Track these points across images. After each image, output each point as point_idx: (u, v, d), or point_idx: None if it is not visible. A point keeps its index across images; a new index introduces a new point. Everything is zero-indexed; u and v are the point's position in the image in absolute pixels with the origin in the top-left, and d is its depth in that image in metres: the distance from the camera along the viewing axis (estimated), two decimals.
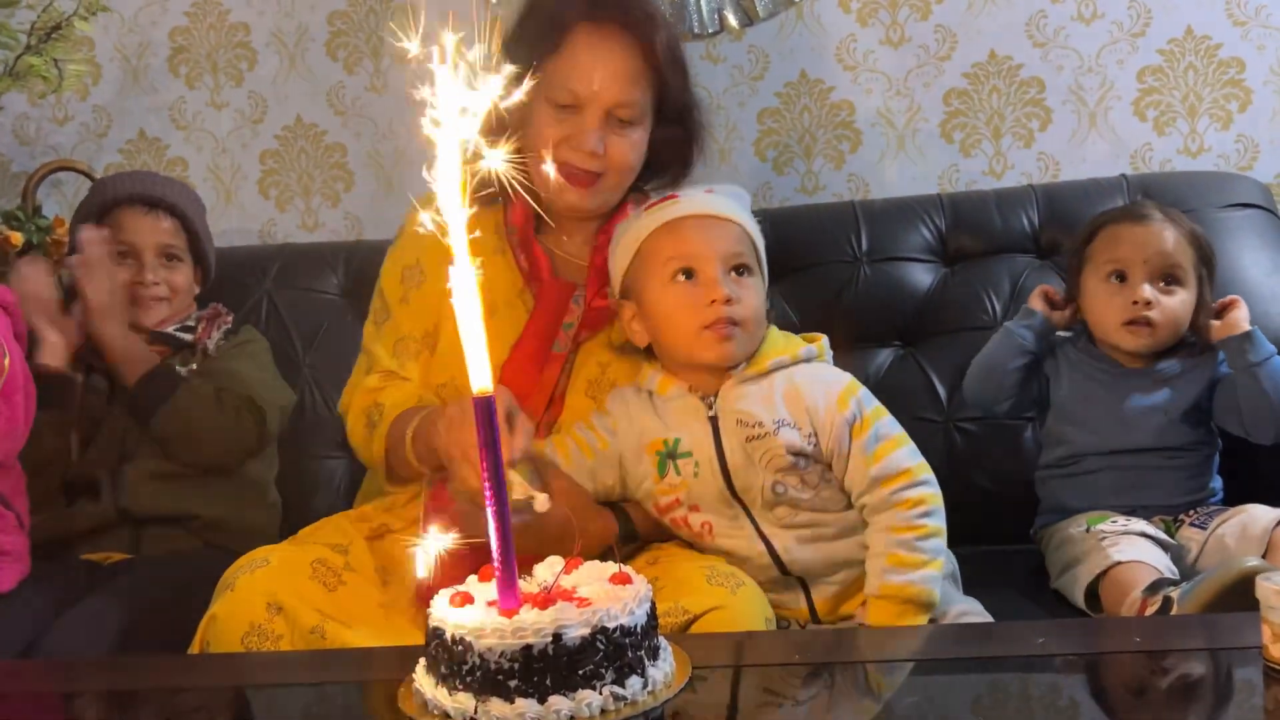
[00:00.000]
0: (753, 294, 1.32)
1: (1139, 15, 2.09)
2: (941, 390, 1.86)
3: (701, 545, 1.35)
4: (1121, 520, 1.51)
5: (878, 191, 2.16)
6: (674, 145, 1.50)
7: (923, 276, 1.94)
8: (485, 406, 0.88)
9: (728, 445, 1.30)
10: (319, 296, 2.07)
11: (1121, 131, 2.11)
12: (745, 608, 1.18)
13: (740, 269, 1.34)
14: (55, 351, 1.67)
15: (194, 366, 1.76)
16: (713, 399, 1.33)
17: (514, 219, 1.50)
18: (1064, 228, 1.92)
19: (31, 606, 1.46)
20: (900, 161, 2.17)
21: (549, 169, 1.39)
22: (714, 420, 1.31)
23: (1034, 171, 2.14)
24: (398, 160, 2.27)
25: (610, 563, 0.97)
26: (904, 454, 1.30)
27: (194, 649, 1.21)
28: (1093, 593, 1.43)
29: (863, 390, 1.33)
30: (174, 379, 1.69)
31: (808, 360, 1.35)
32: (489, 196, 1.44)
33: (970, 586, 1.40)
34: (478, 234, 1.41)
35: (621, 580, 0.93)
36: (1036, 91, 2.13)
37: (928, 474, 1.30)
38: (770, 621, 1.22)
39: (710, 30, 2.18)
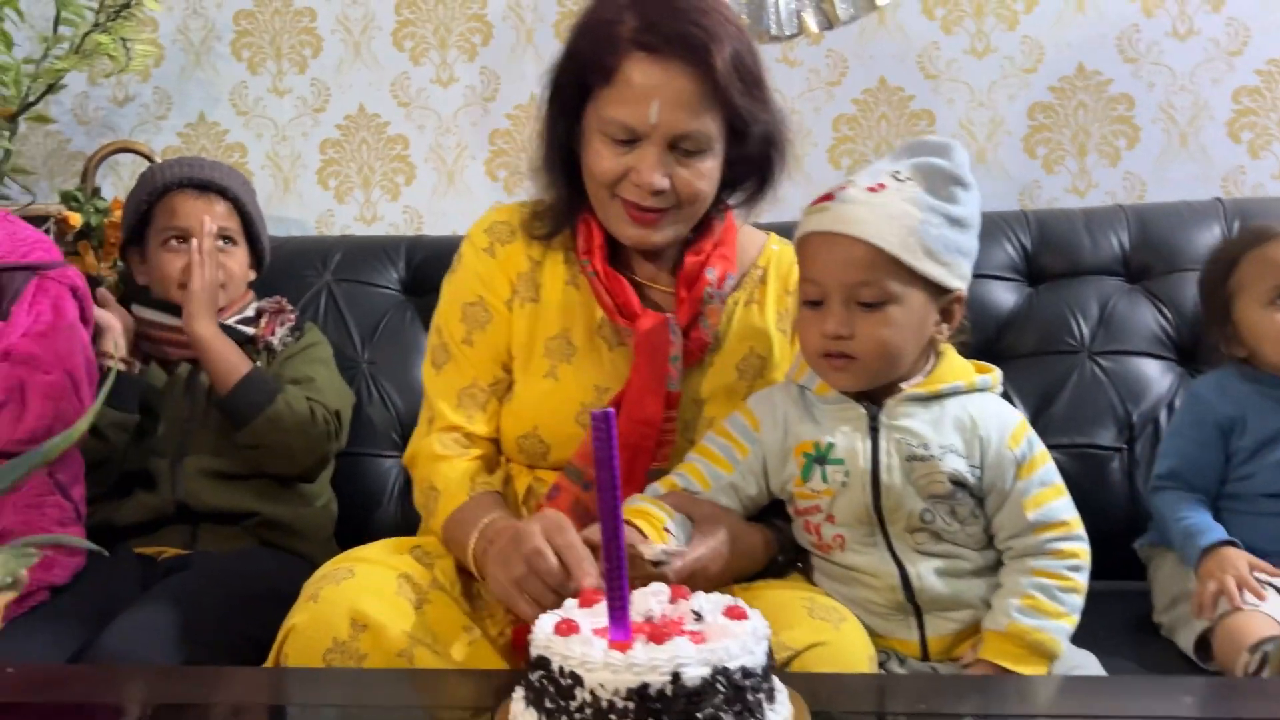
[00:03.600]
0: (883, 325, 1.20)
1: (1237, 33, 2.02)
2: (1024, 413, 1.78)
3: (826, 557, 1.28)
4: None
5: None
6: (753, 162, 1.36)
7: (1006, 295, 1.87)
8: (604, 421, 0.82)
9: (886, 462, 1.22)
10: (379, 291, 2.02)
11: (1213, 153, 2.04)
12: (849, 645, 1.11)
13: (867, 302, 1.21)
14: (120, 342, 1.63)
15: (259, 365, 1.71)
16: (878, 410, 1.24)
17: (584, 249, 1.37)
18: (1155, 251, 1.85)
19: (87, 602, 1.42)
20: (981, 175, 2.08)
21: (610, 207, 1.32)
22: (875, 433, 1.23)
23: (1119, 191, 2.07)
24: (460, 155, 2.22)
25: (722, 594, 0.90)
26: (1064, 504, 1.24)
27: (271, 660, 1.15)
28: (1203, 636, 1.36)
29: (1032, 431, 1.26)
30: (271, 388, 1.64)
31: (982, 390, 1.27)
32: (549, 231, 1.39)
33: None
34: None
35: (737, 615, 0.86)
36: (1125, 108, 2.06)
37: (1083, 530, 1.24)
38: (873, 660, 1.15)
39: (788, 33, 2.12)
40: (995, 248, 1.90)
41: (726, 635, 0.83)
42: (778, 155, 1.37)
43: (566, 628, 0.83)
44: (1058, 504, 1.23)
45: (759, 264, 1.43)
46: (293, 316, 1.81)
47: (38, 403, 1.40)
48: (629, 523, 1.17)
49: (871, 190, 1.22)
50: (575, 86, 1.31)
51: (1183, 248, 1.84)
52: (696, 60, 1.25)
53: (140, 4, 1.87)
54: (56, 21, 1.95)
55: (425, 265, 2.03)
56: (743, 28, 1.33)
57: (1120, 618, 1.55)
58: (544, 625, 0.85)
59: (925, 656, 1.25)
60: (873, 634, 1.24)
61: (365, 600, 1.14)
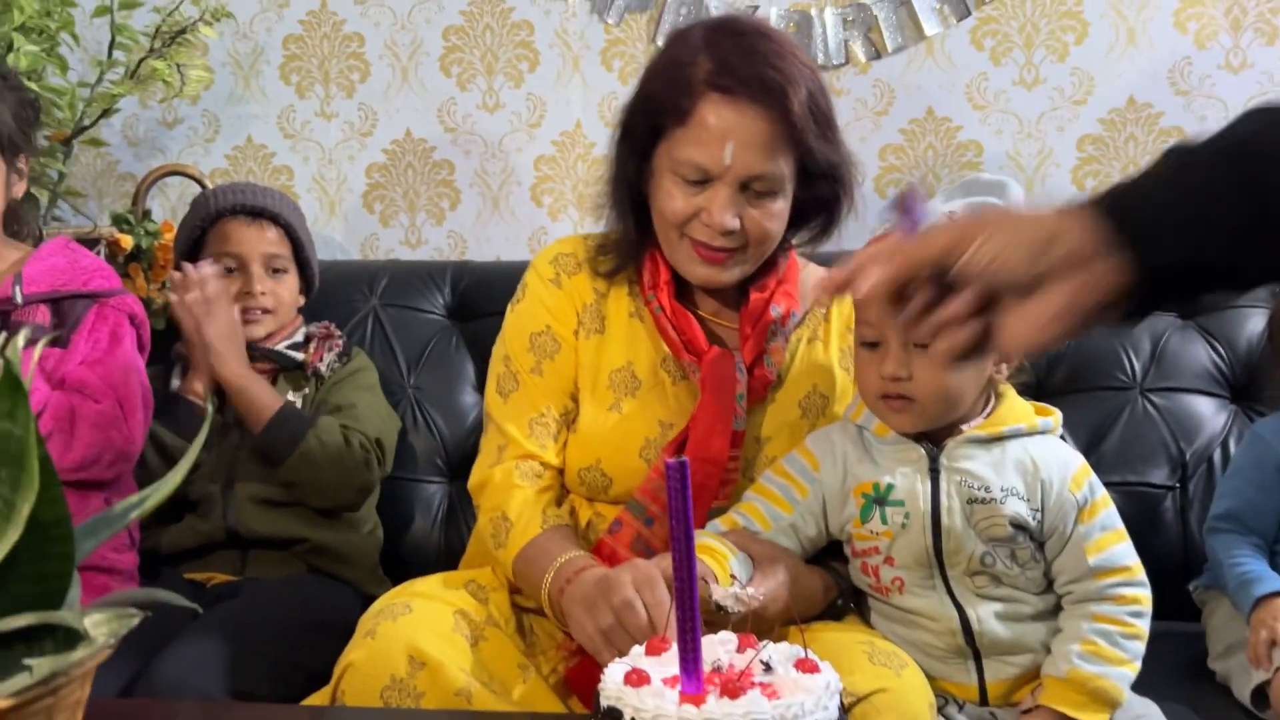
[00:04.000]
0: (935, 368, 1.19)
1: None
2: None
3: (885, 599, 1.27)
4: None
5: None
6: (821, 202, 1.37)
7: None
8: (679, 471, 0.82)
9: (946, 504, 1.21)
10: (424, 316, 2.02)
11: None
12: (910, 691, 1.10)
13: (923, 344, 1.18)
14: (205, 383, 1.65)
15: (307, 392, 1.72)
16: (938, 451, 1.24)
17: (650, 285, 1.38)
18: None
19: (139, 629, 1.42)
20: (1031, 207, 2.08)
21: (679, 246, 1.31)
22: (935, 474, 1.22)
23: None
24: (505, 180, 2.23)
25: (790, 644, 0.89)
26: (1125, 549, 1.24)
27: (328, 697, 1.15)
28: (1259, 687, 1.34)
29: (1094, 475, 1.26)
30: (303, 422, 1.64)
31: (1044, 432, 1.26)
32: (614, 267, 1.39)
33: None
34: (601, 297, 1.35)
35: (809, 668, 0.85)
36: (1178, 141, 2.04)
37: (1144, 576, 1.24)
38: (933, 707, 1.14)
39: (835, 62, 2.11)
40: None
41: (799, 690, 0.82)
42: (845, 196, 1.37)
43: (637, 678, 0.83)
44: (1120, 549, 1.22)
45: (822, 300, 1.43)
46: (340, 342, 1.82)
47: (86, 431, 1.41)
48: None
49: None
50: (648, 126, 1.31)
51: None
52: (772, 103, 1.25)
53: (196, 30, 1.88)
54: (111, 46, 1.97)
55: (471, 290, 2.03)
56: (815, 69, 1.33)
57: (1174, 661, 1.53)
58: (614, 675, 0.84)
59: (984, 701, 1.24)
60: (931, 678, 1.23)
61: (423, 637, 1.14)
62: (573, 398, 1.38)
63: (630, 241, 1.37)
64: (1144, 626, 1.21)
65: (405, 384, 1.95)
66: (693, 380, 1.34)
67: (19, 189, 1.51)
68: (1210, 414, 1.76)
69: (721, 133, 1.25)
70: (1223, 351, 1.79)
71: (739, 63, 1.25)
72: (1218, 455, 1.73)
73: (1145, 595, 1.22)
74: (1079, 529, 1.22)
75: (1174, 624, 1.62)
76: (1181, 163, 0.75)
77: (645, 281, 1.38)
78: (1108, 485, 1.72)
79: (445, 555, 1.81)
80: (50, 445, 1.38)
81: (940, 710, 1.22)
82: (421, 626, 1.16)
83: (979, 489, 1.21)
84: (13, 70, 1.56)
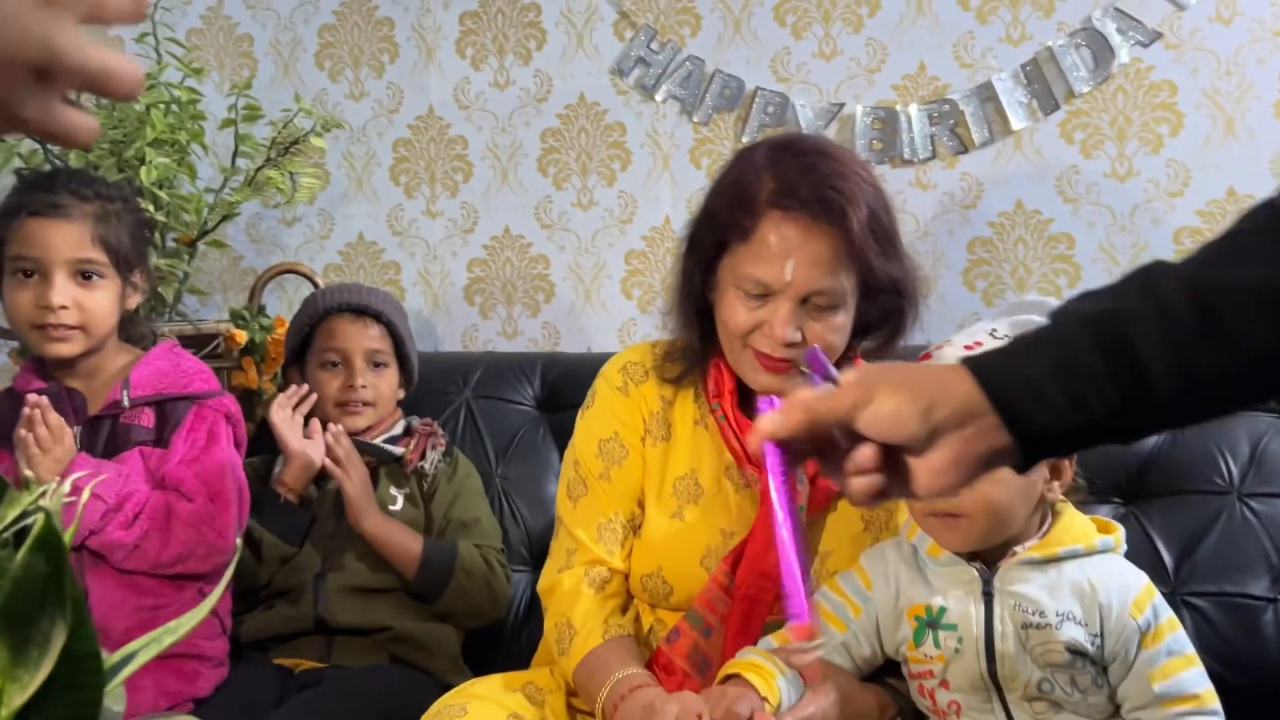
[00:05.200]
0: (984, 486, 1.17)
1: None
2: (1168, 557, 1.70)
3: None
4: None
5: None
6: (885, 313, 1.39)
7: None
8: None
9: (1000, 629, 1.19)
10: (514, 406, 2.10)
11: None
12: None
13: None
14: (300, 476, 1.73)
15: (409, 490, 1.80)
16: (990, 574, 1.22)
17: (714, 393, 1.41)
18: None
19: (226, 710, 1.50)
20: None
21: (741, 356, 1.34)
22: (988, 597, 1.20)
23: None
24: (596, 274, 2.30)
25: None
26: (1194, 676, 1.19)
27: None
28: None
29: (1159, 596, 1.22)
30: (448, 559, 1.72)
31: (1104, 552, 1.23)
32: (680, 374, 1.42)
33: None
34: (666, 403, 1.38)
35: None
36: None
37: (1216, 704, 1.18)
38: None
39: (921, 157, 2.13)
40: None
41: None
42: (910, 308, 1.39)
43: None
44: (1187, 675, 1.17)
45: None
46: (444, 441, 1.90)
47: (181, 529, 1.51)
48: (739, 676, 1.17)
49: (968, 348, 1.21)
50: (713, 240, 1.35)
51: None
52: (832, 221, 1.27)
53: (307, 141, 2.02)
54: (235, 155, 2.13)
55: (559, 382, 2.10)
56: (879, 187, 1.35)
57: None
58: None
59: None
60: None
61: None
62: (639, 504, 1.41)
63: (695, 350, 1.41)
64: None
65: (493, 474, 2.01)
66: (755, 489, 1.35)
67: (133, 301, 1.65)
68: None
69: (783, 250, 1.28)
70: None
71: (800, 181, 1.28)
72: None
73: None
74: (1143, 654, 1.17)
75: None
76: (1057, 329, 0.77)
77: (709, 389, 1.41)
78: (1202, 595, 1.68)
79: (528, 646, 1.84)
80: (148, 543, 1.49)
81: None
82: None
83: (1033, 613, 1.18)
84: (133, 192, 1.72)
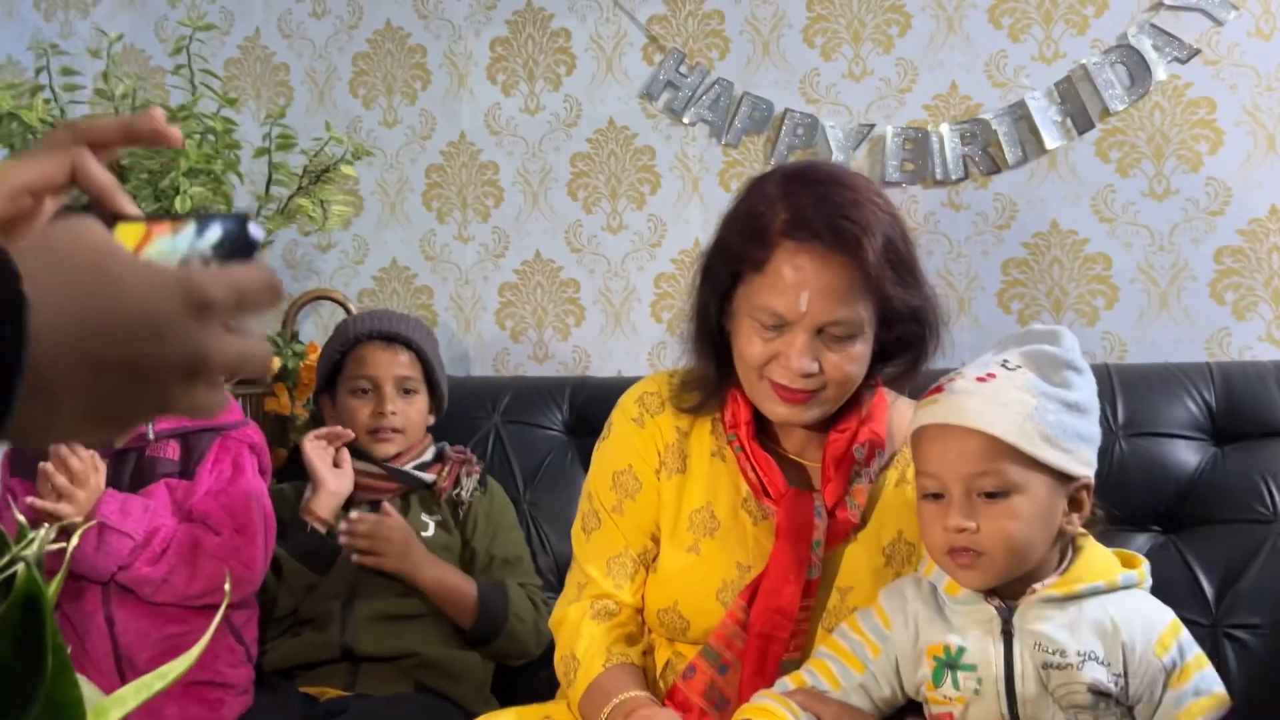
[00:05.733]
0: (1006, 517, 1.15)
1: None
2: (1209, 588, 1.65)
3: None
4: None
5: (1136, 355, 1.99)
6: (905, 341, 1.36)
7: (1188, 455, 1.76)
8: None
9: (1020, 669, 1.16)
10: (543, 432, 2.10)
11: None
12: None
13: (989, 492, 1.16)
14: (328, 504, 1.74)
15: (440, 518, 1.81)
16: (1009, 612, 1.18)
17: (730, 424, 1.38)
18: None
19: None
20: (1163, 323, 2.00)
21: (758, 387, 1.32)
22: (1008, 636, 1.17)
23: None
24: (626, 298, 2.30)
25: None
26: (1221, 718, 1.15)
27: None
28: None
29: (1185, 634, 1.18)
30: (501, 603, 1.73)
31: (1126, 588, 1.19)
32: (697, 404, 1.40)
33: None
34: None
35: None
36: None
37: None
38: None
39: (954, 177, 2.10)
40: (1177, 404, 1.79)
41: None
42: (931, 335, 1.35)
43: None
44: (1215, 717, 1.13)
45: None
46: (479, 470, 1.90)
47: (208, 564, 1.52)
48: None
49: (981, 380, 1.19)
50: (727, 272, 1.33)
51: None
52: (847, 251, 1.25)
53: (338, 169, 2.04)
54: (269, 183, 2.16)
55: (588, 406, 2.09)
56: (896, 214, 1.33)
57: None
58: None
59: None
60: None
61: None
62: (653, 538, 1.39)
63: (712, 380, 1.39)
64: None
65: (522, 499, 2.01)
66: (773, 521, 1.34)
67: None
68: None
69: (797, 281, 1.26)
70: None
71: (813, 213, 1.26)
72: None
73: None
74: (1169, 694, 1.14)
75: None
76: None
77: (726, 420, 1.39)
78: (1244, 627, 1.63)
79: (553, 678, 1.84)
80: (175, 577, 1.50)
81: None
82: None
83: (1054, 653, 1.15)
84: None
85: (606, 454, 1.44)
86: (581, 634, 1.34)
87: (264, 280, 0.56)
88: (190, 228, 0.59)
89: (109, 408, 0.51)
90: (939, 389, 1.21)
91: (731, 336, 1.35)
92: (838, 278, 1.26)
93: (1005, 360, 1.20)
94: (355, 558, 1.72)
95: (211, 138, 2.05)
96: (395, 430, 1.86)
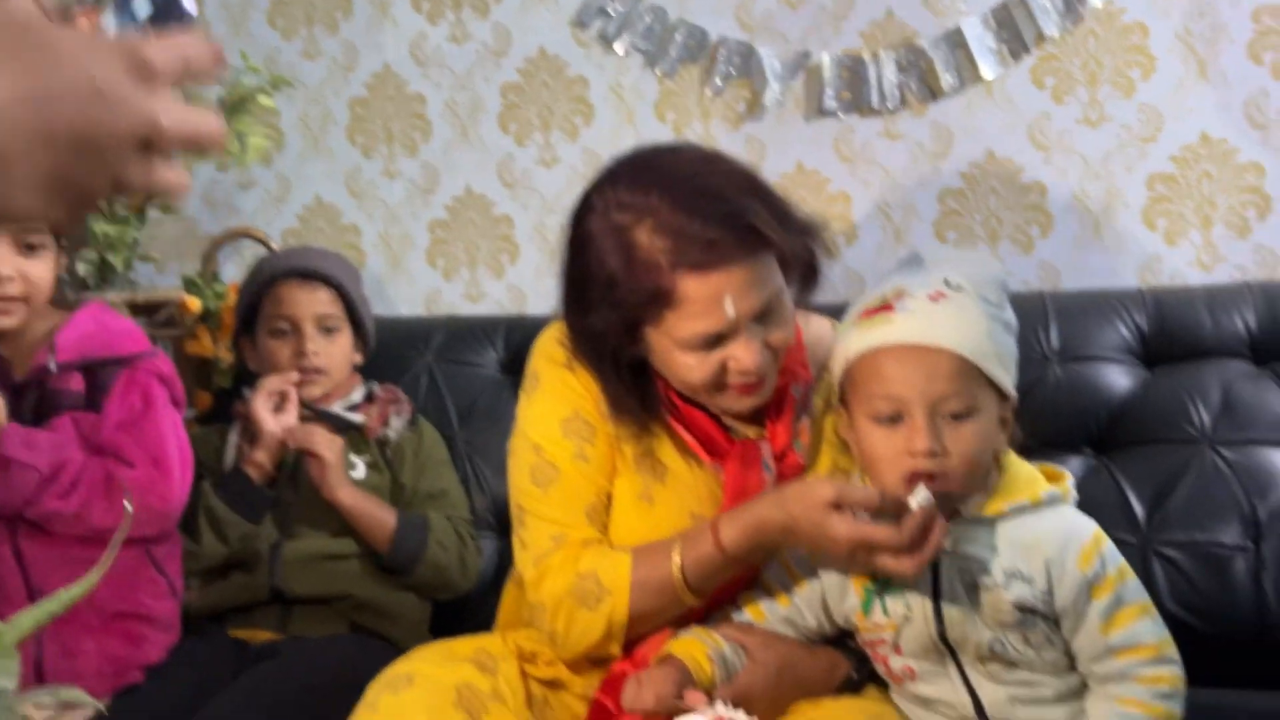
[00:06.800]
0: (969, 438, 1.13)
1: None
2: (1139, 508, 1.68)
3: (898, 687, 1.23)
4: None
5: (1071, 282, 2.00)
6: (803, 262, 1.30)
7: (1120, 379, 1.77)
8: None
9: (948, 591, 1.15)
10: (478, 371, 2.05)
11: None
12: None
13: (956, 413, 1.14)
14: (272, 454, 1.71)
15: (369, 458, 1.76)
16: None
17: (662, 386, 1.32)
18: None
19: (179, 688, 1.46)
20: (1097, 250, 2.01)
21: (716, 396, 1.26)
22: (934, 561, 1.16)
23: (1249, 266, 1.94)
24: (563, 234, 2.25)
25: None
26: (1147, 625, 1.15)
27: None
28: None
29: (1109, 545, 1.17)
30: (422, 532, 1.69)
31: (1050, 504, 1.18)
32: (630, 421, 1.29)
33: None
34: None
35: None
36: (1254, 178, 1.94)
37: (1173, 651, 1.15)
38: None
39: (890, 107, 2.07)
40: (1109, 329, 1.80)
41: None
42: (818, 245, 1.31)
43: None
44: (1140, 625, 1.14)
45: (833, 375, 1.33)
46: (409, 409, 1.86)
47: (123, 497, 1.46)
48: (671, 657, 1.15)
49: (933, 298, 1.17)
50: (624, 323, 1.24)
51: None
52: (742, 243, 1.19)
53: (255, 100, 1.96)
54: None
55: (525, 344, 2.01)
56: (743, 165, 1.28)
57: None
58: None
59: None
60: None
61: (421, 713, 1.14)
62: (612, 485, 1.33)
63: (641, 415, 1.30)
64: (1174, 708, 1.12)
65: (457, 439, 1.97)
66: (720, 477, 1.31)
67: (61, 264, 1.59)
68: None
69: (713, 298, 1.19)
70: None
71: (691, 227, 1.18)
72: None
73: (1172, 674, 1.13)
74: (1094, 606, 1.14)
75: (1251, 694, 1.53)
76: None
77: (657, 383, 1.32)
78: (1173, 546, 1.65)
79: (494, 613, 1.82)
80: (89, 511, 1.44)
81: None
82: (421, 700, 1.16)
83: (980, 574, 1.14)
84: None
85: (544, 404, 1.36)
86: (584, 554, 1.26)
87: (205, 45, 0.56)
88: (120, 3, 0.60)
89: (65, 183, 0.51)
90: (888, 307, 1.18)
91: (657, 364, 1.28)
92: (747, 270, 1.20)
93: (946, 279, 1.18)
94: (302, 440, 1.71)
95: None
96: (318, 371, 1.80)
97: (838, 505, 1.13)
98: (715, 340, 1.21)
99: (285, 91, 2.25)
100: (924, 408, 1.14)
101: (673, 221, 1.19)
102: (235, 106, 1.95)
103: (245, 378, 1.89)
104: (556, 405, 1.34)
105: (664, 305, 1.20)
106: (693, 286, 1.19)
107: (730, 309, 1.19)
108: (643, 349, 1.27)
